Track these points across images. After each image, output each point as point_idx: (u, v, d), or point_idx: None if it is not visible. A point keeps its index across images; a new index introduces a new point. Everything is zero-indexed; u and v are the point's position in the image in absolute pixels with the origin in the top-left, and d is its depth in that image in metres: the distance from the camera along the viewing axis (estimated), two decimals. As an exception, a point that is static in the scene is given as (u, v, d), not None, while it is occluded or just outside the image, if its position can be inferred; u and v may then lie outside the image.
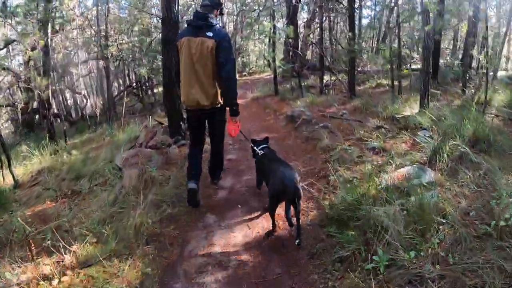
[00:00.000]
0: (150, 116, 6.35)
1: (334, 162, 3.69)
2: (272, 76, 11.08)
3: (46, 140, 7.25)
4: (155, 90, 10.58)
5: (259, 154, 2.90)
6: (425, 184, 2.93)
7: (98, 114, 9.04)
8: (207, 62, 2.65)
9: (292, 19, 9.77)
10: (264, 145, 2.99)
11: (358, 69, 10.00)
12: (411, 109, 5.48)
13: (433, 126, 4.34)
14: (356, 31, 13.20)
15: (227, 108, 2.84)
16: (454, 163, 3.28)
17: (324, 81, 8.16)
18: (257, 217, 2.92)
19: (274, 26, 8.22)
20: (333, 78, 8.30)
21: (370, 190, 2.87)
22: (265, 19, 12.89)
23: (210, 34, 2.62)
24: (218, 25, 2.76)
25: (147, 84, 10.85)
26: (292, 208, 2.47)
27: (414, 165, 3.34)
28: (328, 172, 3.49)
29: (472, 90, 6.86)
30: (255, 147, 2.98)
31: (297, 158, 4.08)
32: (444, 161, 3.33)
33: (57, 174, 5.28)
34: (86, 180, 4.43)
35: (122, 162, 3.93)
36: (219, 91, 2.79)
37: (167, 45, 4.15)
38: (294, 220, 2.50)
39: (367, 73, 9.56)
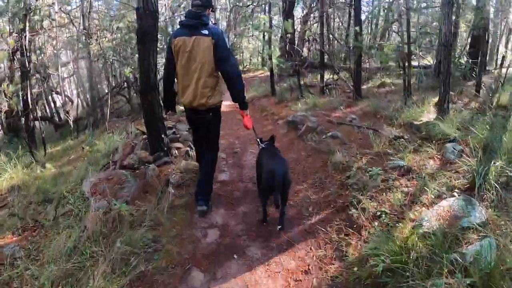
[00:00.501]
0: (133, 123, 5.41)
1: (353, 187, 2.85)
2: (268, 74, 10.21)
3: (21, 150, 6.31)
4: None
5: (260, 147, 2.81)
6: (477, 225, 2.17)
7: (78, 118, 8.05)
8: (205, 61, 2.46)
9: (288, 14, 8.81)
10: (267, 142, 2.85)
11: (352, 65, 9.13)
12: (428, 113, 4.66)
13: (463, 138, 3.59)
14: (351, 27, 12.34)
15: (237, 103, 2.65)
16: (503, 192, 2.50)
17: (325, 80, 7.27)
18: (260, 273, 2.07)
19: (271, 19, 7.27)
20: (335, 76, 7.40)
21: (411, 238, 2.06)
22: (259, 14, 11.91)
23: (205, 32, 2.44)
24: (212, 24, 2.56)
25: (136, 84, 9.82)
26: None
27: (456, 195, 2.59)
28: (347, 202, 2.66)
29: (485, 91, 6.07)
30: (258, 140, 2.89)
31: (305, 178, 3.24)
32: (490, 189, 2.53)
33: (25, 195, 4.50)
34: (53, 208, 3.60)
35: (89, 189, 3.04)
36: (215, 92, 2.56)
37: (143, 38, 3.22)
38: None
39: (367, 71, 8.69)
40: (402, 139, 3.72)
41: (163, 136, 3.45)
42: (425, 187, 2.71)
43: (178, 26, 2.61)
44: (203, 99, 2.51)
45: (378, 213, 2.49)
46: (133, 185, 2.96)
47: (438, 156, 3.36)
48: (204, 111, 2.58)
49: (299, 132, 4.37)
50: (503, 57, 8.44)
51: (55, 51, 10.29)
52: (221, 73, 2.52)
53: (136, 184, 3.00)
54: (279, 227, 2.43)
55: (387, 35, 12.94)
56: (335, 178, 3.08)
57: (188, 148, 3.78)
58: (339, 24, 13.35)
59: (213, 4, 2.74)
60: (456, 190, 2.70)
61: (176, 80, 2.63)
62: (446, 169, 3.06)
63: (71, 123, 7.08)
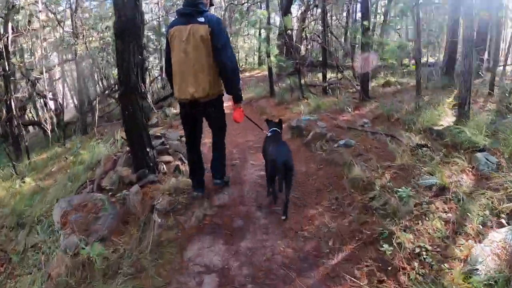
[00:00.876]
0: (119, 130, 4.77)
1: (379, 212, 2.29)
2: (265, 74, 9.61)
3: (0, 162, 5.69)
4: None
5: (266, 135, 2.81)
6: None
7: (66, 123, 7.40)
8: (202, 50, 2.29)
9: (286, 11, 8.20)
10: (274, 128, 2.82)
11: (355, 63, 8.57)
12: (445, 116, 4.11)
13: (493, 146, 3.06)
14: (350, 24, 11.76)
15: (231, 96, 2.50)
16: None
17: (327, 79, 6.68)
18: None
19: (269, 15, 6.65)
20: (338, 75, 6.81)
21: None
22: (257, 10, 11.24)
23: (201, 19, 2.27)
24: (209, 12, 2.38)
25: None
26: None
27: (504, 221, 2.14)
28: (376, 234, 2.09)
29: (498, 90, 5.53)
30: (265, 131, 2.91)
31: (319, 199, 2.66)
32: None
33: (0, 215, 3.95)
34: (24, 236, 3.06)
35: (60, 219, 2.44)
36: (214, 81, 2.38)
37: (122, 33, 2.60)
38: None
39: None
40: (426, 148, 3.16)
41: (148, 149, 2.83)
42: (466, 212, 2.17)
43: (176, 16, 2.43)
44: (202, 92, 2.32)
45: (417, 250, 1.93)
46: (111, 214, 2.36)
47: (470, 169, 2.81)
48: (204, 104, 2.39)
49: (306, 139, 3.79)
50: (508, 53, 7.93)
51: (44, 53, 9.59)
52: (217, 64, 2.33)
53: (115, 212, 2.40)
54: (283, 217, 2.38)
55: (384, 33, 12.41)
56: (356, 199, 2.51)
57: (179, 162, 3.18)
58: (337, 22, 12.79)
59: None
60: (502, 216, 2.18)
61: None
62: (482, 186, 2.53)
63: (49, 132, 6.43)
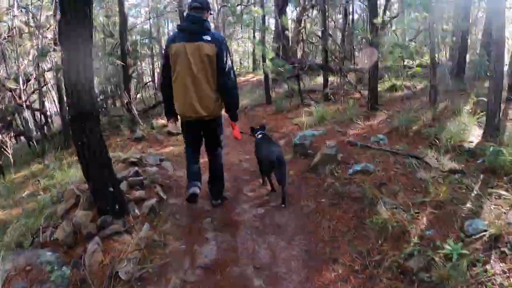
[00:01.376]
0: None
1: (420, 278, 1.65)
2: (260, 78, 8.99)
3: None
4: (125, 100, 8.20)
5: (256, 138, 2.93)
6: None
7: (52, 134, 6.70)
8: (207, 69, 2.25)
9: (281, 10, 7.58)
10: (261, 131, 2.96)
11: (357, 66, 7.97)
12: (471, 128, 3.48)
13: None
14: (349, 24, 11.14)
15: (227, 114, 2.51)
16: None
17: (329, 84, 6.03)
18: None
19: (264, 15, 6.01)
20: (341, 80, 6.16)
21: None
22: (252, 7, 10.56)
23: (208, 38, 2.22)
24: (212, 29, 2.36)
25: (117, 94, 8.45)
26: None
27: None
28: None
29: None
30: (254, 134, 3.00)
31: (336, 253, 2.01)
32: None
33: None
34: None
35: (2, 285, 1.80)
36: (218, 100, 2.36)
37: (68, 37, 1.93)
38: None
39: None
40: (460, 174, 2.54)
41: (110, 189, 2.16)
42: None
43: (176, 30, 2.37)
44: (206, 110, 2.31)
45: None
46: (61, 281, 1.69)
47: (514, 202, 2.19)
48: (208, 121, 2.41)
49: (312, 161, 3.14)
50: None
51: (29, 61, 8.87)
52: (218, 84, 2.31)
53: (65, 283, 1.73)
54: (282, 205, 2.54)
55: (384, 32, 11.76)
56: (386, 254, 1.87)
57: (155, 199, 2.51)
58: (333, 24, 12.16)
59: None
60: None
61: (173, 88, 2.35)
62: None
63: (8, 153, 5.76)
